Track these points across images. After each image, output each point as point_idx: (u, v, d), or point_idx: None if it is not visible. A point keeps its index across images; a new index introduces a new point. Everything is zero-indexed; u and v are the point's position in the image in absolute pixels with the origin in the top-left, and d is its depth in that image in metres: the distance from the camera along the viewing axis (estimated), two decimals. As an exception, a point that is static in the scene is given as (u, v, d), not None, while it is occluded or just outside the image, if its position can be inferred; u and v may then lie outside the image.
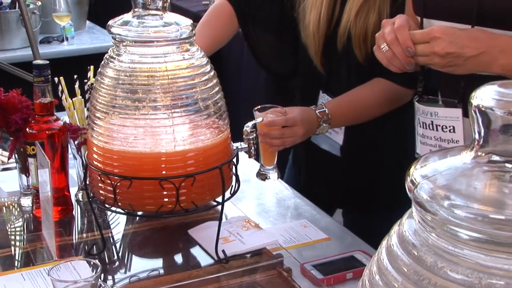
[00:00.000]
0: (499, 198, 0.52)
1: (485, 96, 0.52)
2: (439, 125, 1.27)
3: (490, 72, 1.14)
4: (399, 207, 1.72)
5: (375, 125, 1.60)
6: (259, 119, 1.39)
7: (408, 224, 0.57)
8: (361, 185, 1.70)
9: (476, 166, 0.53)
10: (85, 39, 3.44)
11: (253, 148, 1.30)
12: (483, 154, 0.53)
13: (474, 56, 1.13)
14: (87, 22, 3.76)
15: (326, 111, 1.51)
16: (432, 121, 1.28)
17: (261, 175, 1.42)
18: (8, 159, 1.50)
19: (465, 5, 1.21)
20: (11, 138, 1.41)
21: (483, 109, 0.52)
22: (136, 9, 1.17)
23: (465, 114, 1.23)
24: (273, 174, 1.45)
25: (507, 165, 0.52)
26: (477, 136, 0.53)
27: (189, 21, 1.18)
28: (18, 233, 1.41)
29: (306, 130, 1.49)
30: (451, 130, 1.26)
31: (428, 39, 1.16)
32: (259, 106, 1.42)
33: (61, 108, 1.44)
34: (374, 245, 1.36)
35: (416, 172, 0.56)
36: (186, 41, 1.17)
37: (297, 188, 1.66)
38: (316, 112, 1.51)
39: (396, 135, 1.64)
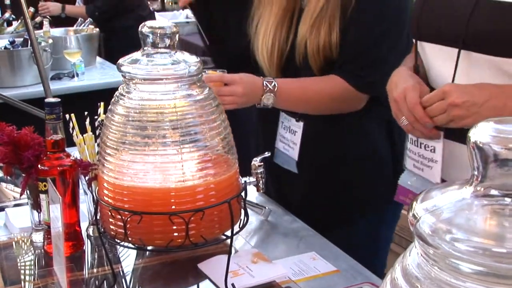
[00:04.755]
0: (499, 231, 0.53)
1: (482, 132, 0.54)
2: (423, 143, 1.32)
3: (504, 116, 1.15)
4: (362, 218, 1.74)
5: (332, 136, 1.67)
6: (205, 76, 1.42)
7: (411, 257, 0.58)
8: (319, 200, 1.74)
9: (476, 201, 0.55)
10: (95, 75, 3.47)
11: (261, 182, 1.32)
12: (482, 189, 0.54)
13: (487, 101, 1.16)
14: (97, 58, 3.81)
15: (274, 82, 1.56)
16: (417, 138, 1.32)
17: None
18: (20, 195, 1.51)
19: (453, 30, 1.24)
20: (23, 175, 1.42)
21: (480, 145, 0.53)
22: (145, 48, 1.19)
23: (446, 136, 1.28)
24: None
25: (506, 199, 0.53)
26: (476, 172, 0.55)
27: (197, 59, 1.20)
28: (29, 268, 1.41)
29: (246, 92, 1.53)
30: (432, 150, 1.30)
31: (441, 96, 1.19)
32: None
33: (72, 143, 1.46)
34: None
35: (418, 206, 0.57)
36: (195, 78, 1.18)
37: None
38: (264, 81, 1.56)
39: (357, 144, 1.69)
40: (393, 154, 1.71)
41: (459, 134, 1.24)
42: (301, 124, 1.66)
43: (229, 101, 1.52)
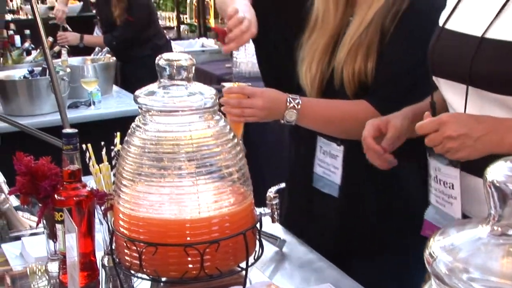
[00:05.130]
0: (516, 271, 0.53)
1: (498, 172, 0.54)
2: (441, 180, 1.32)
3: (502, 152, 1.15)
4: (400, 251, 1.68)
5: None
6: (225, 87, 1.46)
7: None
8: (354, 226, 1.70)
9: (493, 240, 0.54)
10: (112, 104, 3.49)
11: (276, 213, 1.32)
12: (499, 228, 0.54)
13: (484, 135, 1.17)
14: (114, 86, 3.84)
15: (298, 100, 1.56)
16: (436, 175, 1.34)
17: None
18: (37, 225, 1.52)
19: (460, 69, 1.26)
20: (39, 204, 1.43)
21: (497, 184, 0.53)
22: (162, 80, 1.19)
23: (463, 169, 1.28)
24: None
25: (523, 239, 0.53)
26: (492, 211, 0.55)
27: (212, 91, 1.20)
28: (45, 300, 1.41)
29: (267, 106, 1.54)
30: (451, 187, 1.31)
31: (437, 126, 1.20)
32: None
33: (88, 172, 1.46)
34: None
35: (435, 244, 0.57)
36: (210, 110, 1.18)
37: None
38: (288, 97, 1.56)
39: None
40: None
41: (475, 168, 1.24)
42: (341, 148, 1.65)
43: (249, 113, 1.54)
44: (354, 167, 1.64)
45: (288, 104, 1.56)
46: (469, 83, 1.24)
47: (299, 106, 1.56)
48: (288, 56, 1.75)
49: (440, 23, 1.36)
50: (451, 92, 1.33)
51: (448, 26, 1.33)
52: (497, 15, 1.21)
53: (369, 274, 1.55)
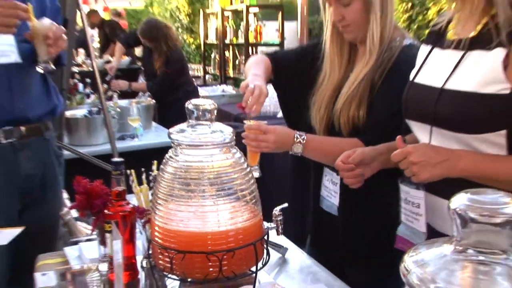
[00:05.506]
0: (474, 283, 0.51)
1: (460, 202, 0.53)
2: (410, 201, 1.31)
3: (454, 175, 1.17)
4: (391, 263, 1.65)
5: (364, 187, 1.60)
6: (246, 124, 1.49)
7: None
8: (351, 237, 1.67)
9: (455, 256, 0.53)
10: (151, 137, 3.49)
11: (280, 227, 1.30)
12: (460, 247, 0.53)
13: (440, 163, 1.16)
14: (153, 123, 3.85)
15: (304, 136, 1.56)
16: (406, 197, 1.32)
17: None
18: (91, 233, 1.51)
19: (425, 113, 1.26)
20: (93, 217, 1.42)
21: (459, 212, 0.52)
22: (190, 120, 1.19)
23: (428, 190, 1.28)
24: (255, 173, 1.49)
25: (480, 256, 0.51)
26: (455, 233, 0.53)
27: (230, 129, 1.19)
28: (96, 293, 1.39)
29: (278, 140, 1.54)
30: (417, 206, 1.30)
31: (405, 154, 1.21)
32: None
33: (130, 191, 1.46)
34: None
35: (408, 259, 0.55)
36: (228, 144, 1.18)
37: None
38: (296, 133, 1.56)
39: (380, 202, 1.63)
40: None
41: (438, 190, 1.23)
42: (339, 177, 1.62)
43: (264, 146, 1.53)
44: (348, 192, 1.62)
45: (295, 139, 1.56)
46: (433, 124, 1.24)
47: (304, 141, 1.56)
48: (303, 102, 1.75)
49: (411, 78, 1.36)
50: (419, 131, 1.32)
51: (417, 80, 1.33)
52: (453, 71, 1.20)
53: (358, 277, 1.52)
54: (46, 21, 1.74)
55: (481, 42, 1.16)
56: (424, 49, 1.36)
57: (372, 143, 1.54)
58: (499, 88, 1.09)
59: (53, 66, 1.78)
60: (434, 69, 1.28)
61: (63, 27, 1.79)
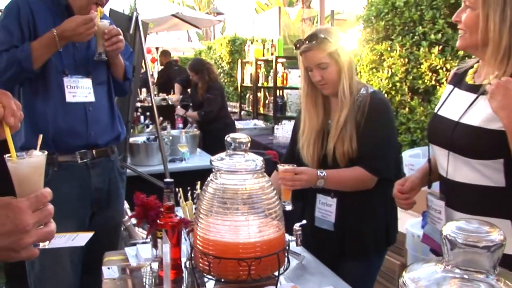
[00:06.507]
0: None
1: (450, 229, 0.52)
2: (434, 208, 1.34)
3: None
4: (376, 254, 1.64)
5: (355, 206, 1.68)
6: (281, 168, 1.54)
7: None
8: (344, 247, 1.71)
9: (444, 274, 0.52)
10: (196, 160, 3.49)
11: (299, 240, 1.29)
12: (450, 267, 0.51)
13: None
14: (198, 149, 3.88)
15: (324, 173, 1.63)
16: (431, 205, 1.36)
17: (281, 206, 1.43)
18: (146, 237, 1.52)
19: (444, 140, 1.28)
20: (147, 225, 1.44)
21: (449, 237, 0.51)
22: (228, 150, 1.19)
23: (446, 203, 1.31)
24: (288, 206, 1.55)
25: (465, 275, 0.50)
26: (446, 255, 0.52)
27: (261, 159, 1.19)
28: (148, 285, 1.41)
29: (308, 179, 1.61)
30: (439, 212, 1.32)
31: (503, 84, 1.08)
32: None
33: (178, 205, 1.47)
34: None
35: (406, 275, 0.54)
36: (259, 171, 1.17)
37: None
38: (318, 172, 1.63)
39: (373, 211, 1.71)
40: (387, 218, 1.72)
41: (453, 204, 1.28)
42: (335, 199, 1.70)
43: (298, 184, 1.60)
44: (344, 210, 1.67)
45: (318, 176, 1.62)
46: (450, 149, 1.25)
47: (325, 177, 1.62)
48: (295, 145, 1.82)
49: (435, 110, 1.38)
50: (439, 154, 1.34)
51: (439, 112, 1.35)
52: (467, 109, 1.23)
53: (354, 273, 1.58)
54: (106, 22, 1.81)
55: None
56: (448, 87, 1.39)
57: (371, 167, 1.61)
58: (499, 125, 1.12)
59: (105, 57, 1.84)
60: (453, 105, 1.31)
61: (118, 29, 1.85)
